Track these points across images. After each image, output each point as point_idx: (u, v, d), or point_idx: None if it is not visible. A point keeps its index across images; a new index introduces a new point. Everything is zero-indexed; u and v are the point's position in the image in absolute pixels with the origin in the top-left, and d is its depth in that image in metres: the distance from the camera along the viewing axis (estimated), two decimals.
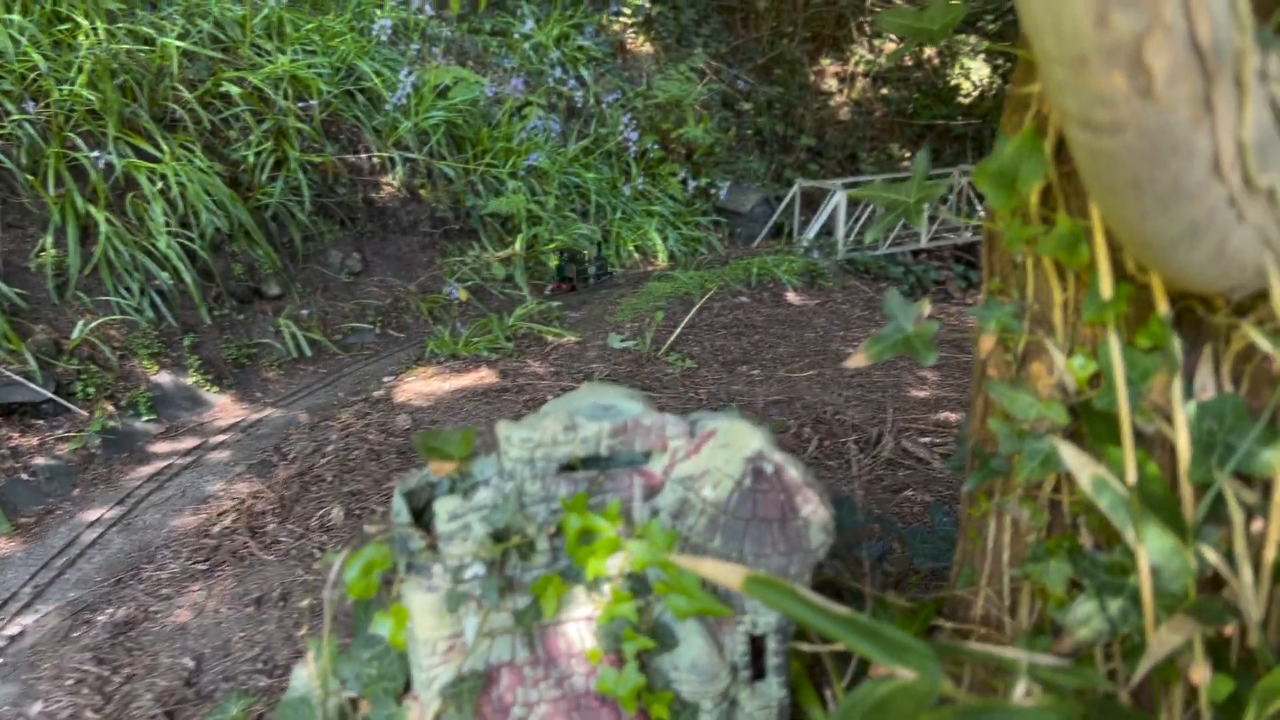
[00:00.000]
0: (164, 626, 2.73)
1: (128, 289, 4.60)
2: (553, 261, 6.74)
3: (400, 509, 1.57)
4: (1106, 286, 1.25)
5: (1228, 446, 1.30)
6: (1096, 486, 1.27)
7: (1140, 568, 1.28)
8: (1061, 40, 0.81)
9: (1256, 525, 1.33)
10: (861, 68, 11.54)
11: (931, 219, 8.48)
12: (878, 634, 1.13)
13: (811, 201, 8.88)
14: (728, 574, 1.24)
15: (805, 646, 1.36)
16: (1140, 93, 0.83)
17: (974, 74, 11.39)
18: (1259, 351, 1.29)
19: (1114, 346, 1.27)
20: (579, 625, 1.53)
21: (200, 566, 3.06)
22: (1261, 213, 1.06)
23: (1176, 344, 1.27)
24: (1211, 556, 1.30)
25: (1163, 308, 1.26)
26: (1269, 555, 1.29)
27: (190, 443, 4.15)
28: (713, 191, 8.66)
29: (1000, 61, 10.91)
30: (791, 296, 6.54)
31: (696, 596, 1.50)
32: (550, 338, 5.39)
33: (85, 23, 5.10)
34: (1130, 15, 0.78)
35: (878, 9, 11.44)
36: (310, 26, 6.23)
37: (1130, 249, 1.12)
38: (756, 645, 1.60)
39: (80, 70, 4.85)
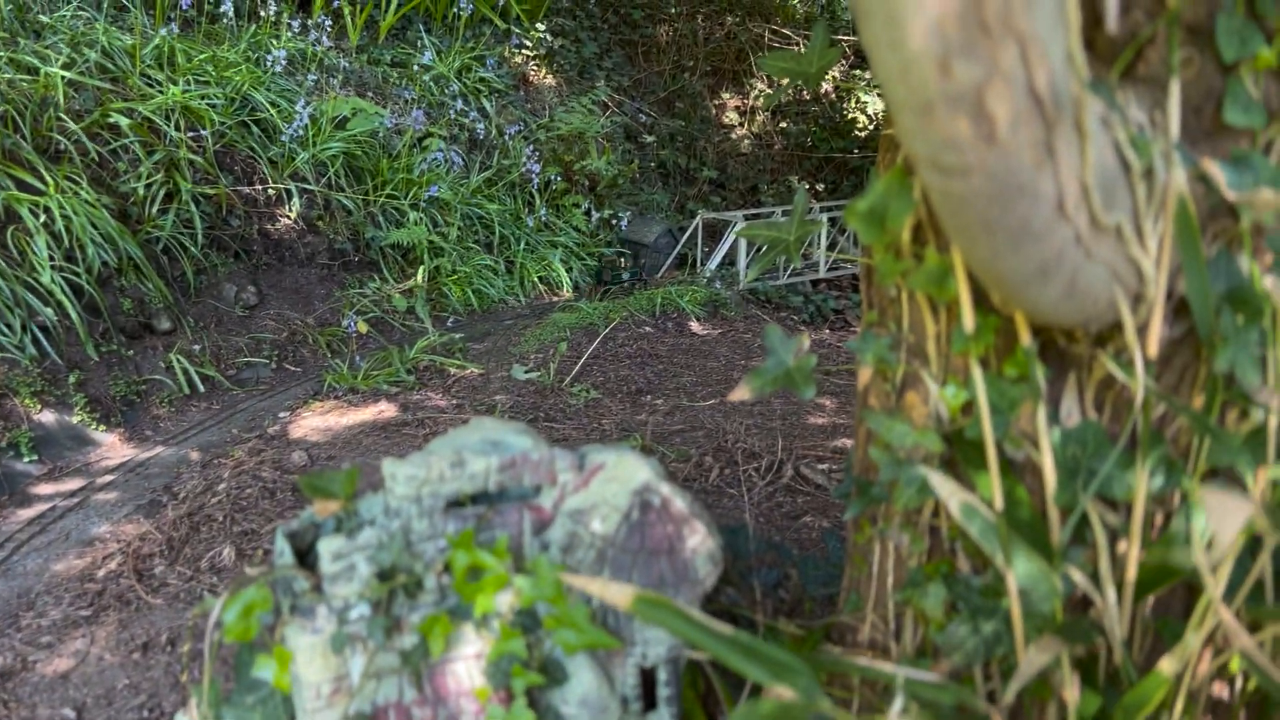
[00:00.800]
0: (43, 677, 2.63)
1: (8, 326, 4.43)
2: (454, 292, 6.71)
3: (283, 550, 1.54)
4: (969, 320, 1.30)
5: (1090, 471, 1.35)
6: (966, 513, 1.31)
7: (1009, 590, 1.33)
8: (909, 88, 0.85)
9: (1120, 546, 1.38)
10: (761, 102, 11.76)
11: (831, 248, 8.66)
12: (758, 653, 1.15)
13: (714, 233, 8.99)
14: (617, 594, 1.25)
15: (697, 655, 1.38)
16: (984, 138, 0.87)
17: (870, 108, 11.69)
18: (1118, 379, 1.35)
19: (977, 378, 1.32)
20: (468, 663, 1.52)
21: (84, 612, 2.95)
22: (1109, 250, 1.12)
23: (1040, 373, 1.32)
24: (1078, 577, 1.35)
25: (1026, 339, 1.31)
26: (1130, 575, 1.35)
27: (75, 484, 4.00)
28: (615, 223, 8.72)
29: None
30: (695, 326, 6.61)
31: (586, 630, 1.50)
32: (453, 370, 5.35)
33: None
34: (971, 65, 0.82)
35: (775, 44, 11.70)
36: (203, 57, 6.11)
37: (988, 286, 1.17)
38: (647, 677, 1.61)
39: None
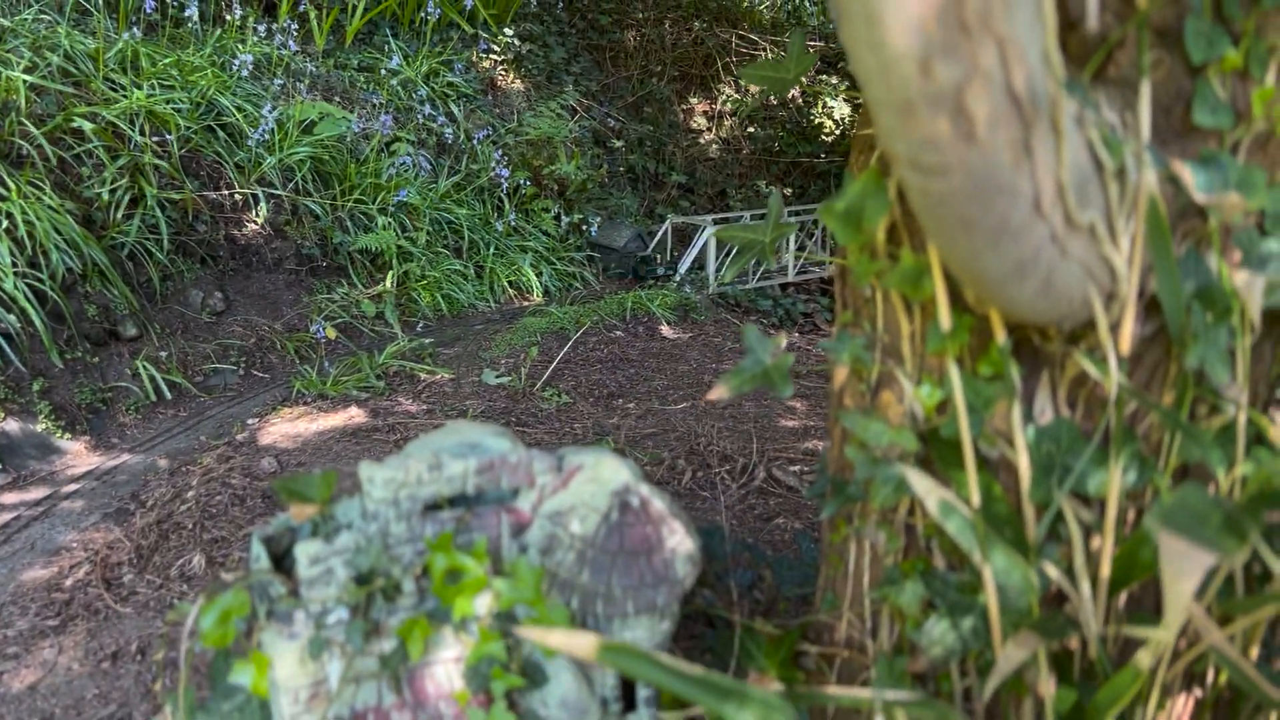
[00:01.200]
0: (9, 688, 2.59)
1: None
2: (423, 297, 6.69)
3: (259, 555, 1.53)
4: (945, 319, 1.31)
5: (1065, 468, 1.37)
6: (943, 510, 1.32)
7: (987, 586, 1.34)
8: (889, 88, 0.86)
9: (1094, 542, 1.40)
10: (729, 106, 11.80)
11: (799, 251, 8.71)
12: (732, 692, 1.15)
13: (683, 237, 9.02)
14: (580, 644, 1.24)
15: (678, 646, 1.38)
16: (964, 137, 0.88)
17: (836, 113, 11.77)
18: (1091, 377, 1.37)
19: (954, 376, 1.33)
20: (447, 667, 1.51)
21: (51, 622, 2.91)
22: (1083, 248, 1.14)
23: (1015, 372, 1.34)
24: (1053, 573, 1.37)
25: (1001, 337, 1.33)
26: (1105, 570, 1.37)
27: (40, 493, 3.95)
28: (585, 227, 8.72)
29: (860, 101, 11.30)
30: (665, 330, 6.62)
31: None
32: (423, 375, 5.32)
33: None
34: (951, 65, 0.83)
35: (742, 49, 11.75)
36: (168, 61, 6.05)
37: (965, 284, 1.18)
38: (627, 679, 1.61)
39: None
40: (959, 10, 0.79)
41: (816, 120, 11.77)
